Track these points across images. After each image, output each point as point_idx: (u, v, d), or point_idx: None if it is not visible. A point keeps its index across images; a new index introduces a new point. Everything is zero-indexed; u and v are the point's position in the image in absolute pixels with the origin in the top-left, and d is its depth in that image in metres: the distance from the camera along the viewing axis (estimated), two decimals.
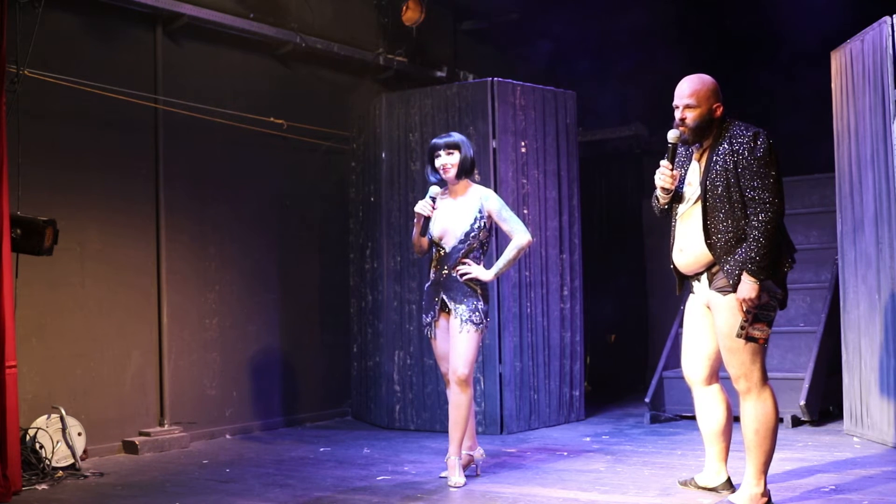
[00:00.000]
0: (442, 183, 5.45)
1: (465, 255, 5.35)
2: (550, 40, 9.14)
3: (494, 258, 6.01)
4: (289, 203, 7.76)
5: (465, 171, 5.38)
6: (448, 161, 5.35)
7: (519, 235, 5.38)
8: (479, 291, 5.34)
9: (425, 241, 5.42)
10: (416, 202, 5.48)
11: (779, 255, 4.39)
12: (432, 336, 5.46)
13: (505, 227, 5.42)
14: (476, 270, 5.33)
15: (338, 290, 8.10)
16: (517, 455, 6.16)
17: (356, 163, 8.06)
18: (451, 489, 5.16)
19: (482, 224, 5.36)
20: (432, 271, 5.44)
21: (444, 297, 5.35)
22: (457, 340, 5.28)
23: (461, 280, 5.32)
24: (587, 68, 8.80)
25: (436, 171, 5.42)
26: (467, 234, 5.33)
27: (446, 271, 5.35)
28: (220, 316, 7.22)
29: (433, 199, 5.33)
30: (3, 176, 5.22)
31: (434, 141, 5.46)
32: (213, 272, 7.20)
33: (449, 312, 5.35)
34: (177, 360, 6.92)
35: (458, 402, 5.29)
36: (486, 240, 5.43)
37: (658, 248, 9.07)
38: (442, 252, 5.38)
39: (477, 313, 5.29)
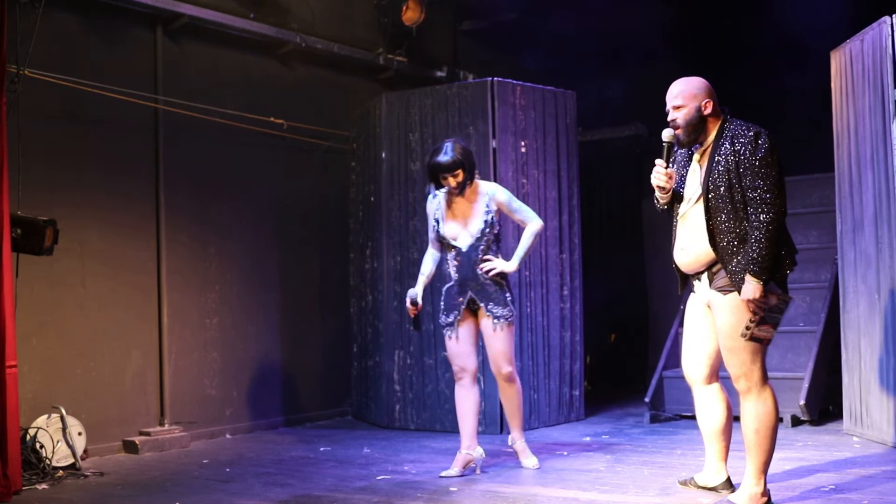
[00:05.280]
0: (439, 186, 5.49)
1: (486, 252, 5.42)
2: (550, 40, 9.13)
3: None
4: (288, 203, 7.77)
5: (470, 179, 5.44)
6: (455, 181, 5.39)
7: (533, 222, 5.52)
8: (505, 284, 5.46)
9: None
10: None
11: (780, 256, 4.39)
12: (454, 336, 5.50)
13: (517, 217, 5.55)
14: (499, 264, 5.44)
15: (338, 290, 8.10)
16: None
17: (356, 163, 8.06)
18: (452, 489, 5.15)
19: (492, 219, 5.43)
20: (454, 272, 5.49)
21: (474, 296, 5.43)
22: (494, 340, 5.43)
23: (487, 277, 5.40)
24: (587, 68, 8.79)
25: (439, 186, 5.45)
26: (482, 231, 5.41)
27: (470, 271, 5.42)
28: (220, 316, 7.22)
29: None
30: (3, 176, 5.22)
31: (436, 161, 5.37)
32: (213, 272, 7.20)
33: (477, 311, 5.45)
34: (177, 359, 6.92)
35: (509, 395, 5.53)
36: (498, 233, 5.51)
37: (658, 248, 9.06)
38: (459, 252, 5.44)
39: (507, 308, 5.44)
